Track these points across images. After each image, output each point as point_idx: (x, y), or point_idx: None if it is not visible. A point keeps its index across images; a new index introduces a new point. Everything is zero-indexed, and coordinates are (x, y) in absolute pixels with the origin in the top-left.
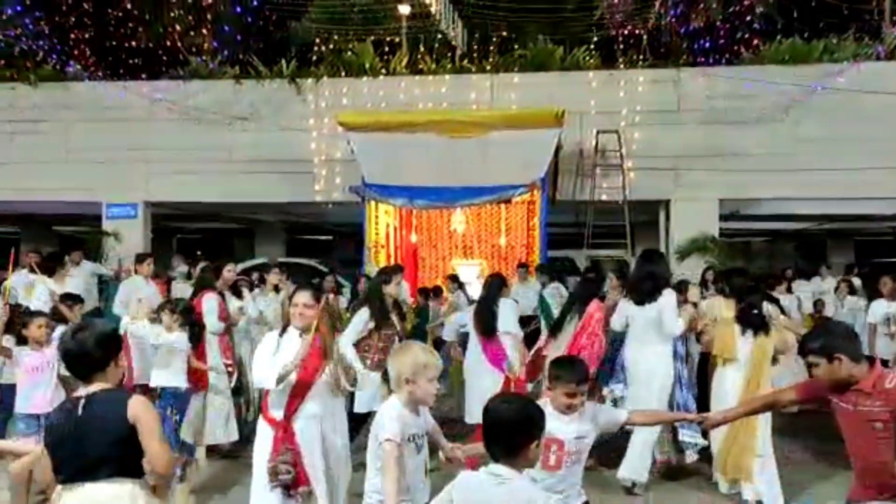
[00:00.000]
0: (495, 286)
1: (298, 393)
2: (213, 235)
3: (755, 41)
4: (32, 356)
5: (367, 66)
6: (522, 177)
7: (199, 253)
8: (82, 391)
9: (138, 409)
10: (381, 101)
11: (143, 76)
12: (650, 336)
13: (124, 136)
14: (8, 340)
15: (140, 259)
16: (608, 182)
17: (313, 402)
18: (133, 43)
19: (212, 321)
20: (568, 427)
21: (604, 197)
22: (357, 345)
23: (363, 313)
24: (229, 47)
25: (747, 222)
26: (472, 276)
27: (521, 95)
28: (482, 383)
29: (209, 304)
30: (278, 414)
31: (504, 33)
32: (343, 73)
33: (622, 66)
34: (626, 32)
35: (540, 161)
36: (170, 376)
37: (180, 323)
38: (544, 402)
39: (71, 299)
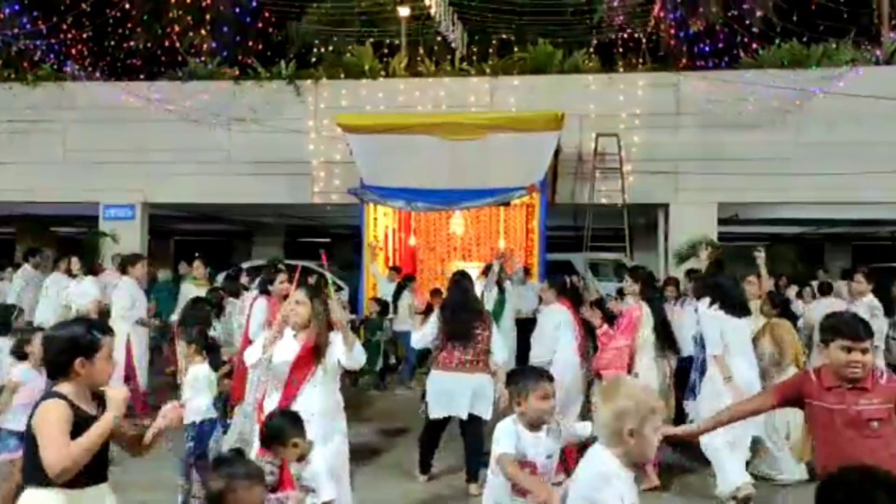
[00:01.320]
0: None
1: (289, 393)
2: (211, 237)
3: (754, 45)
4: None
5: (367, 67)
6: (521, 179)
7: (196, 255)
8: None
9: (39, 417)
10: (380, 103)
11: (142, 77)
12: (742, 349)
13: (122, 137)
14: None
15: (133, 260)
16: (607, 185)
17: (305, 402)
18: (131, 43)
19: (254, 326)
20: (538, 449)
21: (603, 200)
22: None
23: None
24: (228, 48)
25: (746, 226)
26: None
27: (521, 98)
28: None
29: (257, 309)
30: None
31: (503, 36)
32: (342, 75)
33: (621, 69)
34: (625, 36)
35: (539, 164)
36: (189, 412)
37: (196, 351)
38: (512, 419)
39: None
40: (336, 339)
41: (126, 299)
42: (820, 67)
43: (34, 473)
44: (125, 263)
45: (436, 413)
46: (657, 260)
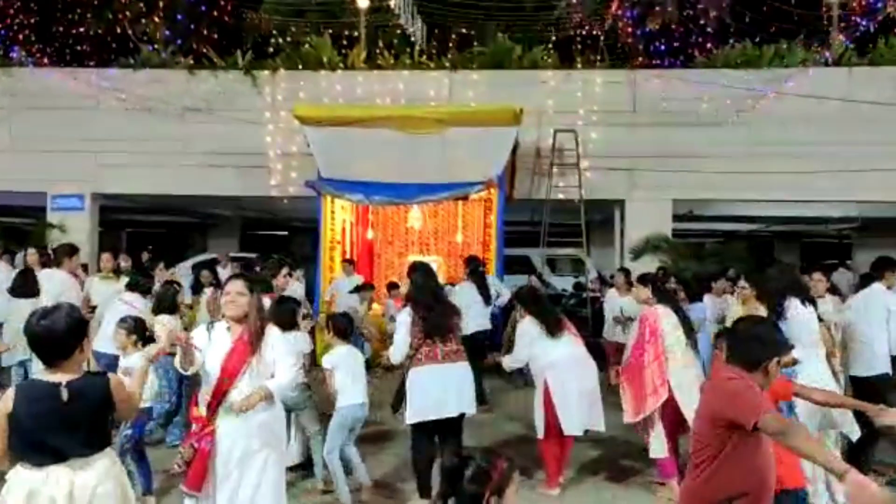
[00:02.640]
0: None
1: (220, 388)
2: (165, 230)
3: (709, 45)
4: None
5: (325, 59)
6: (480, 174)
7: (149, 247)
8: (51, 378)
9: (115, 387)
10: (338, 95)
11: (92, 64)
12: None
13: (71, 126)
14: None
15: (69, 251)
16: (565, 181)
17: (237, 398)
18: (81, 29)
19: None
20: None
21: (560, 196)
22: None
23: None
24: (182, 37)
25: (700, 223)
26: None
27: (480, 93)
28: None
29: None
30: (202, 409)
31: (463, 30)
32: (300, 66)
33: (579, 66)
34: (583, 33)
35: (497, 159)
36: None
37: (133, 342)
38: None
39: None
40: (274, 339)
41: (56, 291)
42: (772, 68)
43: (107, 440)
44: (59, 255)
45: (422, 415)
46: (613, 255)
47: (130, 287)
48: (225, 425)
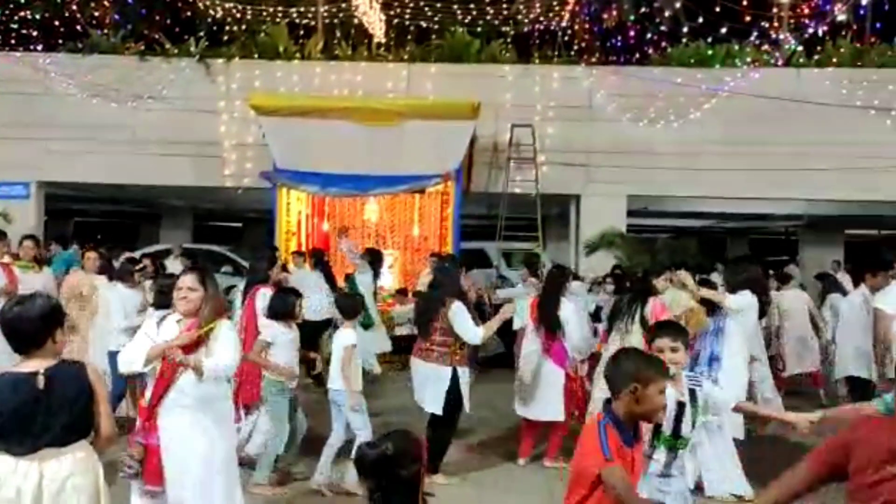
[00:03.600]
0: (557, 281)
1: (163, 380)
2: (115, 219)
3: (663, 43)
4: None
5: (282, 49)
6: (437, 167)
7: (99, 237)
8: (27, 367)
9: (94, 378)
10: (294, 85)
11: (39, 48)
12: None
13: (16, 111)
14: None
15: None
16: (521, 175)
17: (183, 393)
18: (27, 12)
19: (261, 316)
20: None
21: (517, 190)
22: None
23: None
24: (133, 21)
25: (654, 219)
26: (385, 265)
27: (438, 86)
28: (546, 380)
29: (260, 303)
30: (145, 402)
31: (422, 23)
32: (256, 55)
33: (537, 61)
34: (541, 28)
35: (455, 152)
36: None
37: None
38: None
39: None
40: (225, 331)
41: None
42: (723, 67)
43: (87, 431)
44: None
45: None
46: (568, 250)
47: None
48: (169, 419)
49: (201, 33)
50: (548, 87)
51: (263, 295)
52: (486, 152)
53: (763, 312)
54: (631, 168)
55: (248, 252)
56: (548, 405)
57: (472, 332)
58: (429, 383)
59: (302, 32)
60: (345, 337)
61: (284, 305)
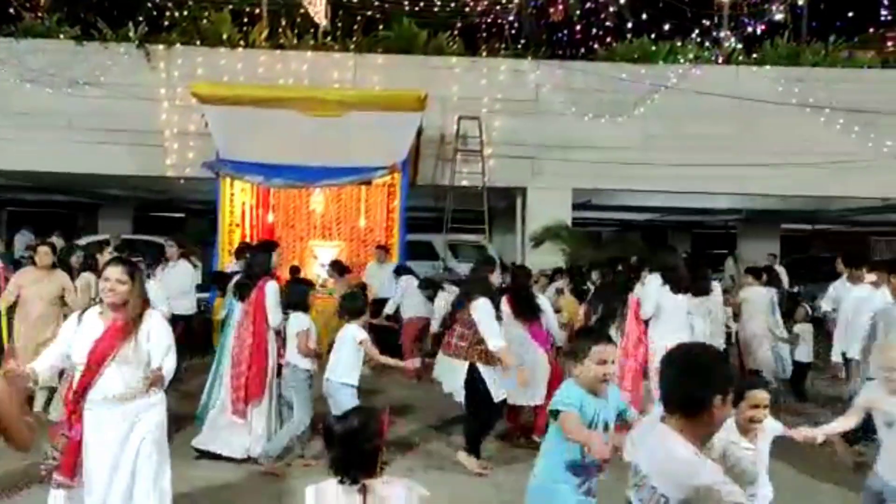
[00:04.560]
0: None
1: (87, 375)
2: (52, 209)
3: (608, 38)
4: None
5: (225, 36)
6: (383, 159)
7: (56, 232)
8: None
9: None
10: (238, 73)
11: None
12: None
13: None
14: None
15: None
16: (468, 168)
17: (107, 384)
18: None
19: (276, 316)
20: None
21: (464, 182)
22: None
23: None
24: (68, 4)
25: (598, 212)
26: (331, 257)
27: (385, 77)
28: (530, 366)
29: (273, 292)
30: (71, 394)
31: (369, 13)
32: (198, 42)
33: (484, 54)
34: (488, 21)
35: (401, 144)
36: None
37: None
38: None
39: None
40: (155, 321)
41: None
42: (666, 64)
43: None
44: None
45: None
46: (515, 242)
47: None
48: (94, 413)
49: (141, 18)
50: (495, 79)
51: (271, 286)
52: (432, 144)
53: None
54: (576, 162)
55: (192, 243)
56: (535, 390)
57: (495, 338)
58: (449, 374)
59: (246, 20)
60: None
61: (295, 295)
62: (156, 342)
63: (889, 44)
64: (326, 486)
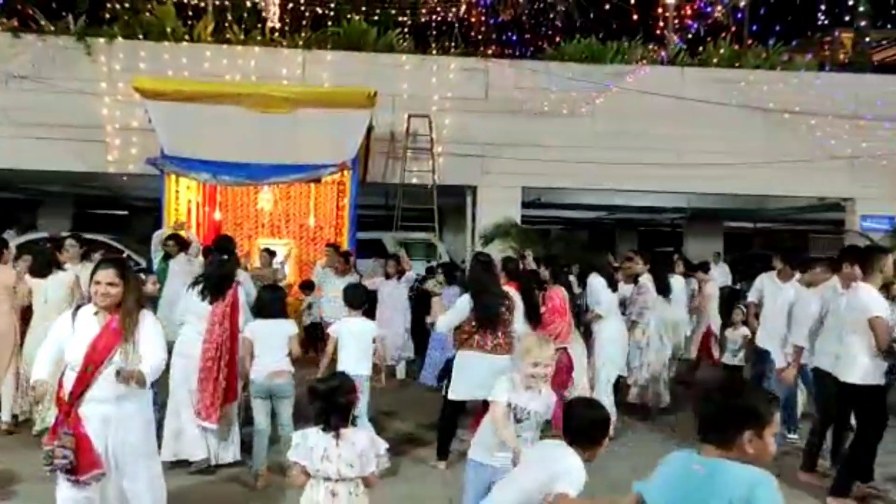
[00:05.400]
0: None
1: (85, 375)
2: None
3: (557, 38)
4: None
5: (169, 29)
6: (332, 156)
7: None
8: None
9: None
10: (183, 68)
11: None
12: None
13: None
14: None
15: None
16: (418, 166)
17: (103, 387)
18: None
19: (246, 316)
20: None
21: (414, 180)
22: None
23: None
24: None
25: (547, 210)
26: (280, 256)
27: (334, 74)
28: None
29: (244, 297)
30: (65, 394)
31: (317, 9)
32: (140, 36)
33: (434, 52)
34: (438, 19)
35: (351, 141)
36: None
37: None
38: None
39: None
40: (148, 324)
41: None
42: (613, 64)
43: None
44: None
45: (462, 394)
46: (465, 240)
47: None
48: (89, 416)
49: (81, 10)
50: (444, 77)
51: (243, 288)
52: (382, 142)
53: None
54: (525, 160)
55: (135, 242)
56: None
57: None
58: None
59: (191, 13)
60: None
61: (270, 302)
62: (150, 345)
63: (826, 47)
64: (310, 431)
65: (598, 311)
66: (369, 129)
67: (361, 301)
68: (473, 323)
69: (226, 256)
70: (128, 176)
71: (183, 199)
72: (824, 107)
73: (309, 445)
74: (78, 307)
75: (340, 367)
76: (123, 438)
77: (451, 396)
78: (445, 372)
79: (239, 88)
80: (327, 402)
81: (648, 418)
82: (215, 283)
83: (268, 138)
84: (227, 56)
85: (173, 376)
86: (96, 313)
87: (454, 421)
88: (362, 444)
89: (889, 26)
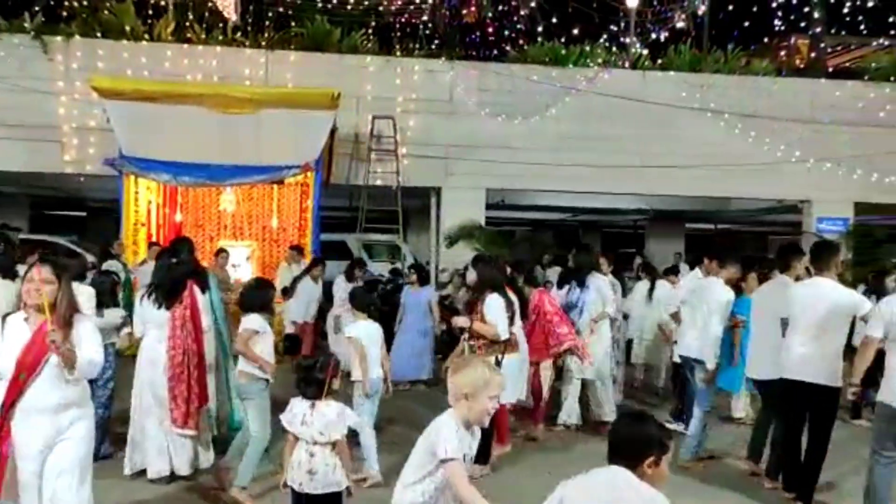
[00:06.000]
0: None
1: (16, 385)
2: None
3: (521, 41)
4: None
5: (128, 28)
6: (296, 158)
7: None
8: None
9: None
10: (143, 68)
11: None
12: None
13: None
14: None
15: None
16: (383, 167)
17: (36, 396)
18: None
19: (207, 317)
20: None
21: (378, 182)
22: None
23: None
24: None
25: (511, 211)
26: (242, 258)
27: (297, 74)
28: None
29: (202, 296)
30: None
31: (281, 9)
32: (98, 34)
33: (399, 53)
34: (403, 20)
35: (314, 142)
36: None
37: None
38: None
39: None
40: (85, 327)
41: None
42: (576, 67)
43: None
44: None
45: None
46: (429, 242)
47: None
48: (22, 425)
49: (37, 8)
50: (409, 79)
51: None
52: (346, 143)
53: None
54: (489, 162)
55: (94, 244)
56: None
57: (501, 326)
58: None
59: (151, 12)
60: (250, 322)
61: (264, 298)
62: (87, 347)
63: (782, 53)
64: (294, 400)
65: (608, 311)
66: (333, 131)
67: (369, 305)
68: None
69: (174, 260)
70: (85, 176)
71: (143, 200)
72: (782, 111)
73: (294, 412)
74: (6, 315)
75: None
76: (57, 449)
77: (511, 401)
78: None
79: (200, 89)
80: (306, 375)
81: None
82: (169, 289)
83: (230, 139)
84: (188, 55)
85: (139, 385)
86: (27, 319)
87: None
88: (331, 415)
89: (844, 32)
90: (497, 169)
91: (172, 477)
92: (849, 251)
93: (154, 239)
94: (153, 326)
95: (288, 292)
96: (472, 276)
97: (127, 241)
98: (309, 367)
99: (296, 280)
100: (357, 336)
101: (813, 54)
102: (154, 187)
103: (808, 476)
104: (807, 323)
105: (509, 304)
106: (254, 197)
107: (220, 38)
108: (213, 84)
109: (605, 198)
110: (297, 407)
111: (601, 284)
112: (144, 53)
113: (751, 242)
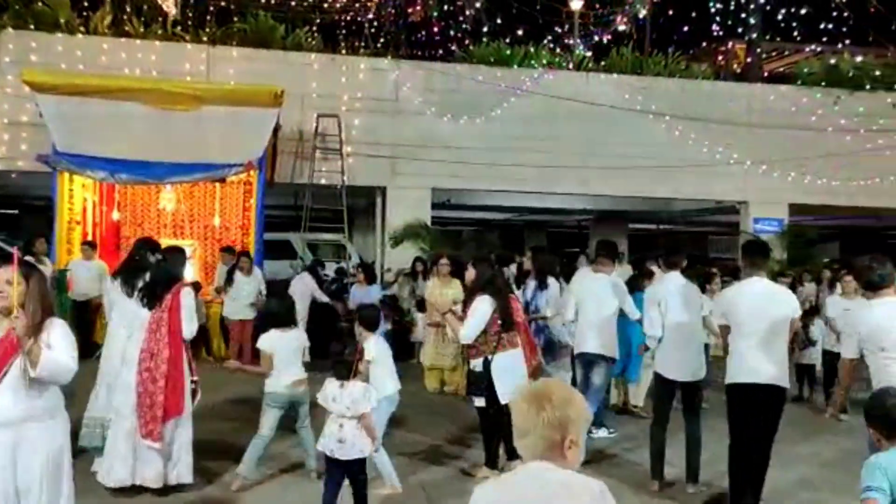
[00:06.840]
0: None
1: None
2: None
3: (466, 41)
4: None
5: (63, 21)
6: (238, 155)
7: None
8: None
9: None
10: (78, 61)
11: None
12: None
13: None
14: None
15: None
16: (328, 166)
17: (3, 407)
18: None
19: (190, 326)
20: None
21: (323, 181)
22: None
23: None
24: None
25: (457, 211)
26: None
27: (240, 71)
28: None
29: (189, 302)
30: None
31: (222, 3)
32: (32, 27)
33: (344, 51)
34: (348, 18)
35: (257, 140)
36: None
37: None
38: None
39: None
40: (56, 332)
41: None
42: (522, 67)
43: None
44: None
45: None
46: (374, 241)
47: None
48: None
49: None
50: (354, 78)
51: (188, 293)
52: (290, 142)
53: None
54: (435, 161)
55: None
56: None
57: (466, 332)
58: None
59: (87, 4)
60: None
61: (282, 313)
62: (57, 352)
63: (720, 57)
64: (328, 381)
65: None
66: (276, 129)
67: (378, 322)
68: (500, 323)
69: (160, 257)
70: (17, 173)
71: (78, 198)
72: (720, 114)
73: (326, 392)
74: None
75: (375, 385)
76: (29, 464)
77: (503, 400)
78: (471, 384)
79: (138, 84)
80: (338, 358)
81: None
82: (153, 289)
83: (170, 136)
84: (125, 49)
85: (114, 383)
86: None
87: (501, 424)
88: (357, 393)
89: (779, 38)
90: (443, 168)
91: (138, 489)
92: (783, 251)
93: (90, 238)
94: (138, 327)
95: (221, 290)
96: (470, 274)
97: (60, 239)
98: (339, 352)
99: (230, 274)
100: (375, 357)
101: (749, 59)
102: (90, 184)
103: (759, 480)
104: (756, 326)
105: (505, 308)
106: (195, 195)
107: (160, 32)
108: (152, 79)
109: (550, 198)
110: (330, 387)
111: (556, 288)
112: (80, 47)
113: (692, 242)
